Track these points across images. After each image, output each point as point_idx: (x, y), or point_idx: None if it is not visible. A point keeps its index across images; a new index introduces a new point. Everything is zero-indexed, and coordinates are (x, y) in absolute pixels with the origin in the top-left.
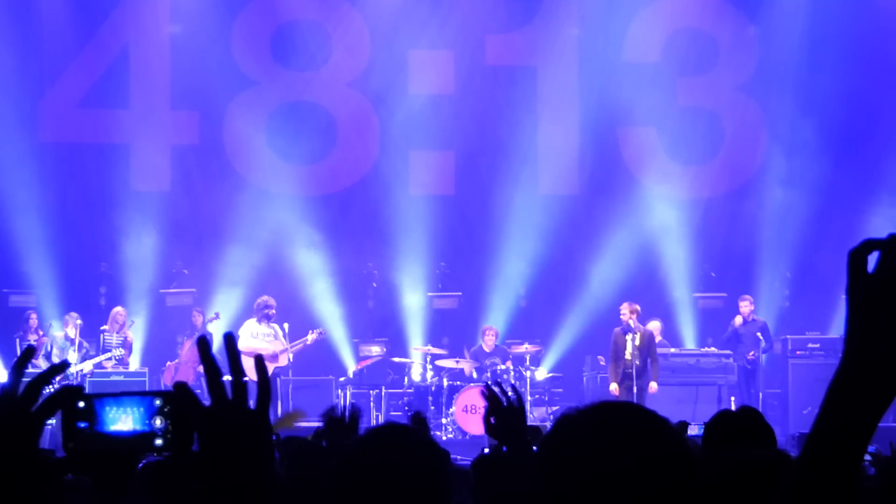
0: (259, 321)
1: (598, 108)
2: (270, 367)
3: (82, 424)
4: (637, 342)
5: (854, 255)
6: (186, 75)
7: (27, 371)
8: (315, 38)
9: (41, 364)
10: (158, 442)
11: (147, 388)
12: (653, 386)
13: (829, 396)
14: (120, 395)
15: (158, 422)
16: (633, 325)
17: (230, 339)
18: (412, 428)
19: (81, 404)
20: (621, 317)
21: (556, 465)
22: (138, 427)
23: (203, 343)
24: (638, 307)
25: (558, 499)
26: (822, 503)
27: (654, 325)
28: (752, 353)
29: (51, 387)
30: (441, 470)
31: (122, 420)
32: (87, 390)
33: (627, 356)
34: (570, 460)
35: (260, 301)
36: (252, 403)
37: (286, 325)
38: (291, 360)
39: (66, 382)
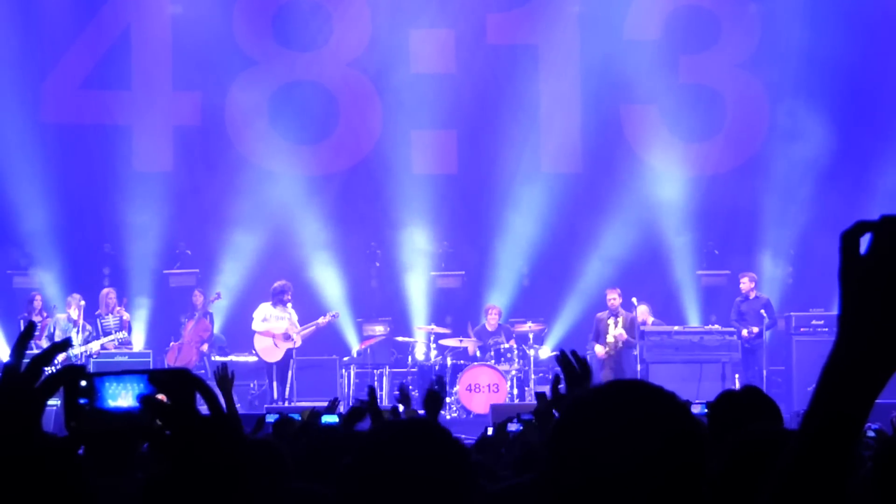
0: (274, 305)
1: (599, 86)
2: (284, 348)
3: (83, 401)
4: (619, 325)
5: (846, 236)
6: (188, 56)
7: (30, 353)
8: (316, 17)
9: (44, 346)
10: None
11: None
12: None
13: (823, 380)
14: (122, 373)
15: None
16: (618, 311)
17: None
18: (432, 421)
19: (83, 383)
20: (611, 302)
21: (569, 447)
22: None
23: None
24: (619, 292)
25: (571, 482)
26: (817, 486)
27: (642, 309)
28: (745, 331)
29: (52, 367)
30: (463, 464)
31: (123, 396)
32: (90, 370)
33: (610, 339)
34: (582, 442)
35: (277, 285)
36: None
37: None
38: (297, 343)
39: (70, 364)
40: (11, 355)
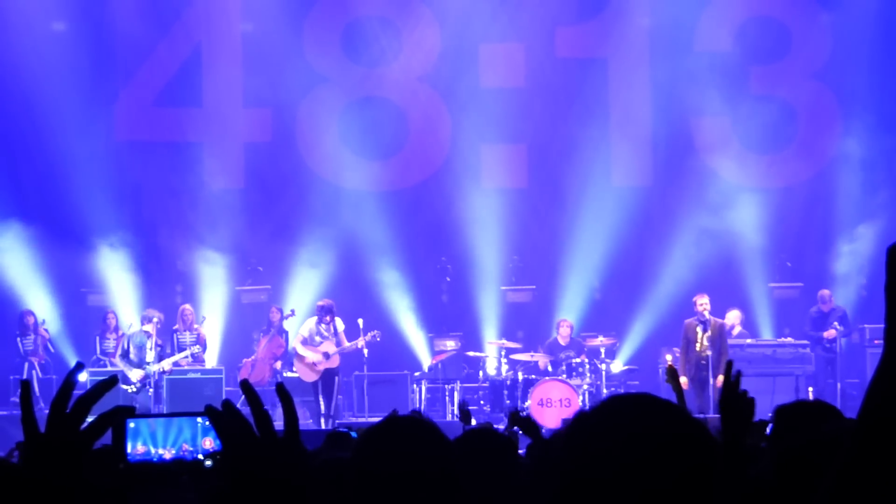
0: (319, 322)
1: (670, 99)
2: (322, 367)
3: (132, 449)
4: (710, 333)
5: (892, 251)
6: (258, 73)
7: (99, 373)
8: (385, 33)
9: (118, 363)
10: (208, 463)
11: (223, 386)
12: (719, 379)
13: (871, 392)
14: (169, 415)
15: (208, 443)
16: (707, 317)
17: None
18: (421, 418)
19: (132, 424)
20: (699, 307)
21: (567, 460)
22: (189, 449)
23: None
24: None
25: (574, 493)
26: (869, 493)
27: (735, 315)
28: (826, 332)
29: (128, 384)
30: (448, 459)
31: (171, 444)
32: (163, 389)
33: (698, 348)
34: (578, 454)
35: (324, 303)
36: (281, 432)
37: (360, 321)
38: (335, 364)
39: (147, 381)
40: (56, 395)
